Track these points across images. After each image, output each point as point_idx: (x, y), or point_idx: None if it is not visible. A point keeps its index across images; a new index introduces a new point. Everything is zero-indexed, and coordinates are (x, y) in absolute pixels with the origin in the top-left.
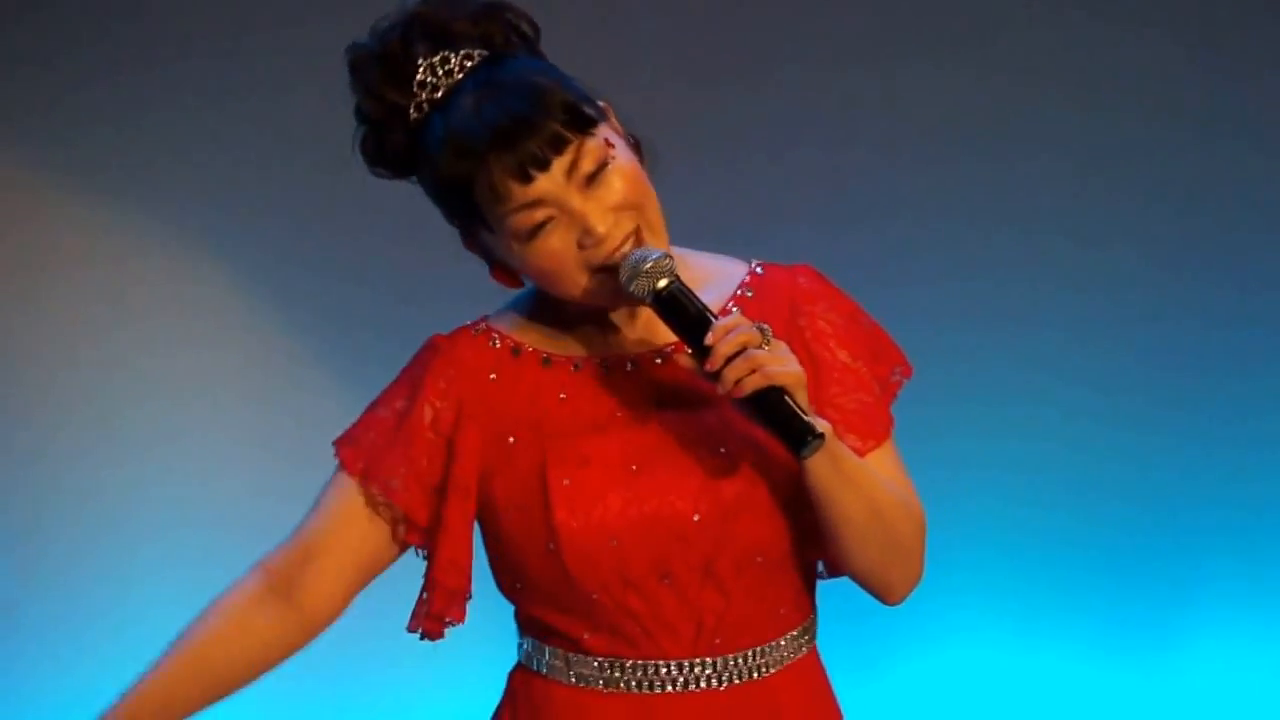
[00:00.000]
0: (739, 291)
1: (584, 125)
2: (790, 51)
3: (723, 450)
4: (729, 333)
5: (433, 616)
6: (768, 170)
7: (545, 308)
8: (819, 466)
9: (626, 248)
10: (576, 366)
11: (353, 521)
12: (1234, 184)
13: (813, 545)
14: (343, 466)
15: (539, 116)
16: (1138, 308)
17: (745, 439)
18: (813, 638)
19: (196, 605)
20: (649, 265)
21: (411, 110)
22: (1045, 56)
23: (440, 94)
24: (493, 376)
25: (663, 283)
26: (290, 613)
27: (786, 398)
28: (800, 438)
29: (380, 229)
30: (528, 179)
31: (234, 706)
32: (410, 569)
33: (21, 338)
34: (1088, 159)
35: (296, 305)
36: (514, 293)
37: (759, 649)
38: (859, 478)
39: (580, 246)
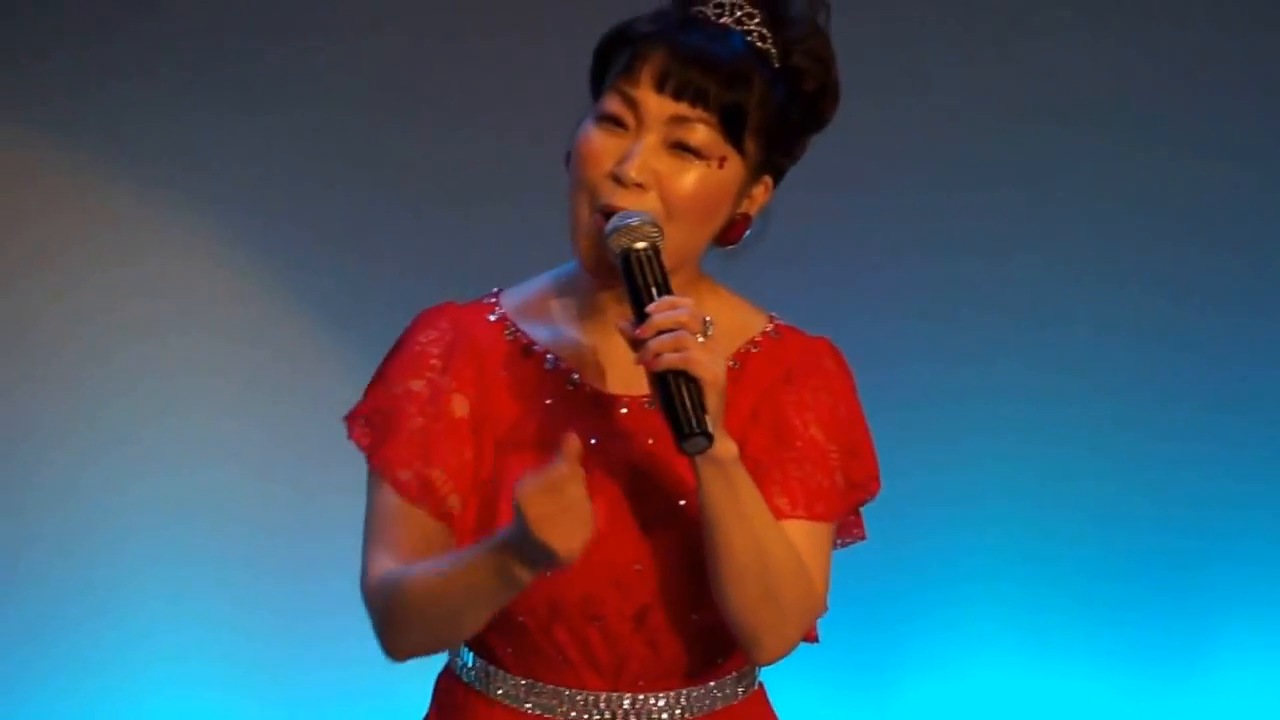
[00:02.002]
0: (747, 348)
1: (729, 125)
2: None
3: (682, 503)
4: (672, 309)
5: None
6: None
7: (560, 298)
8: (712, 484)
9: (617, 213)
10: (572, 384)
11: (425, 542)
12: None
13: None
14: (394, 485)
15: (718, 76)
16: (1157, 319)
17: None
18: (753, 682)
19: (186, 606)
20: (634, 222)
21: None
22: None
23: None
24: (504, 375)
25: (641, 244)
26: None
27: (693, 389)
28: (687, 429)
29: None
30: (656, 87)
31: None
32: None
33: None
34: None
35: (289, 292)
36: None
37: (685, 691)
38: (753, 515)
39: (609, 171)
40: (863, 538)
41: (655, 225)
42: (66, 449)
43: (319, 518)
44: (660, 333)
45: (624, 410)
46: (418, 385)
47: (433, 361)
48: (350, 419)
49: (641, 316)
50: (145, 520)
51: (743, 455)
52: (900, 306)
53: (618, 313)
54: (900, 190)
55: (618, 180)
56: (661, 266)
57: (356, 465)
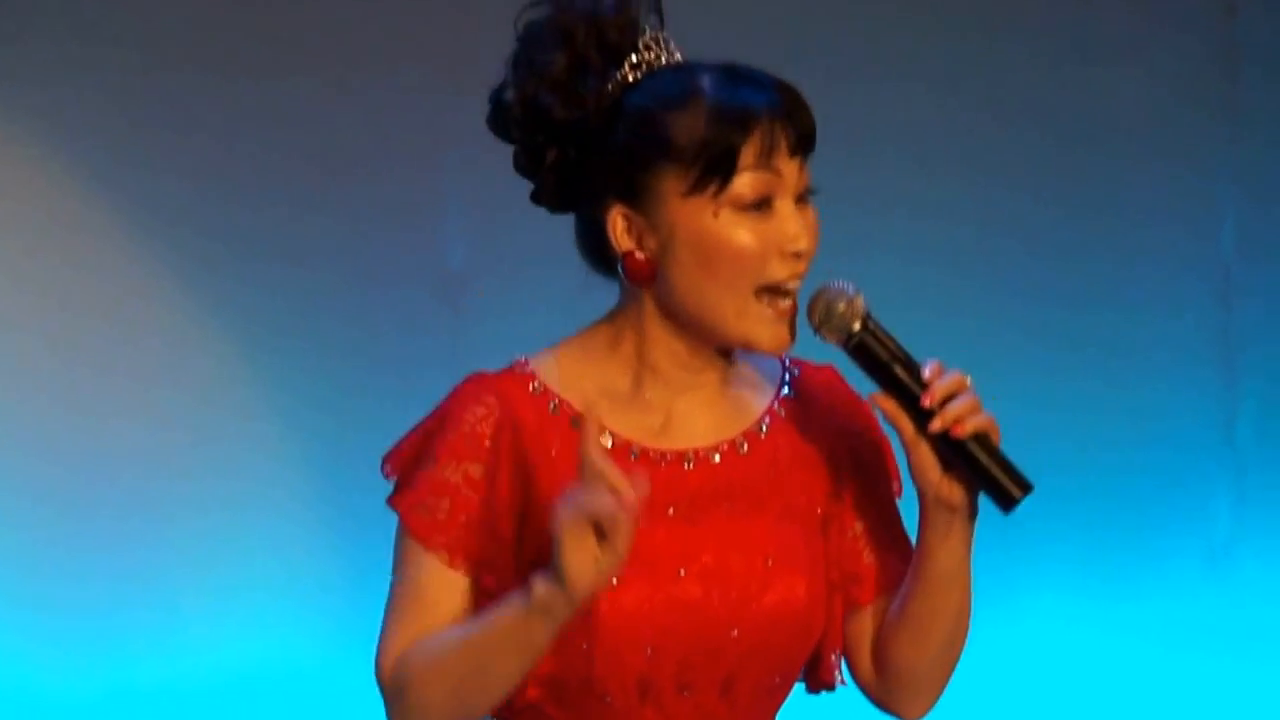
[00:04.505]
0: (782, 390)
1: (814, 148)
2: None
3: (769, 562)
4: (944, 372)
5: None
6: None
7: (602, 362)
8: (959, 547)
9: (796, 285)
10: (634, 455)
11: (458, 613)
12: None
13: (814, 665)
14: (437, 555)
15: (806, 105)
16: (964, 281)
17: (789, 550)
18: None
19: None
20: (843, 306)
21: (626, 68)
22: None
23: (658, 66)
24: (554, 453)
25: (860, 320)
26: None
27: (995, 445)
28: (1015, 487)
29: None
30: (795, 151)
31: None
32: None
33: None
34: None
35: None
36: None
37: None
38: (970, 574)
39: (779, 251)
40: None
41: (856, 290)
42: None
43: (96, 439)
44: (948, 398)
45: (688, 465)
46: (475, 470)
47: (486, 443)
48: (406, 508)
49: (903, 387)
50: None
51: (852, 513)
52: None
53: (672, 373)
54: None
55: (795, 258)
56: (885, 329)
57: (131, 385)
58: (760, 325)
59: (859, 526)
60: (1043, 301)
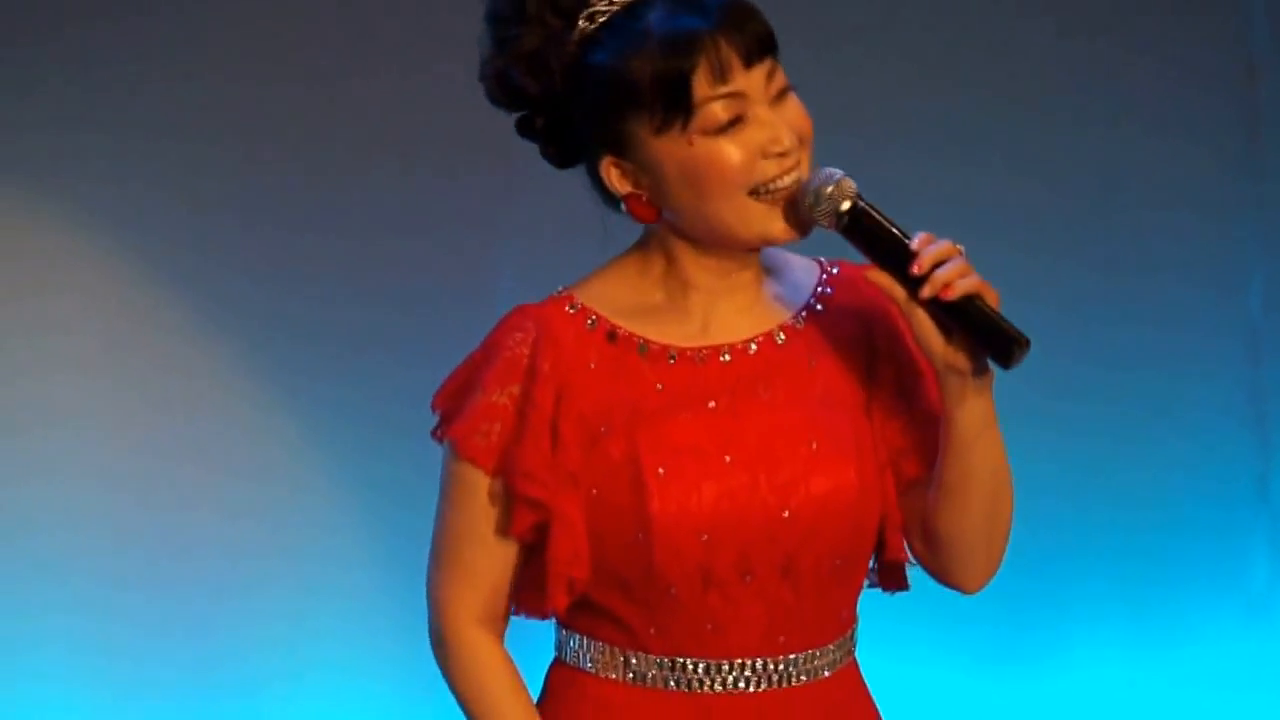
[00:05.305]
0: (819, 289)
1: (776, 49)
2: None
3: (814, 446)
4: (933, 241)
5: (547, 609)
6: None
7: (635, 283)
8: (977, 408)
9: (791, 178)
10: (672, 358)
11: (510, 539)
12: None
13: (881, 547)
14: (493, 478)
15: (756, 13)
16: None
17: (835, 436)
18: (855, 645)
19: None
20: (831, 189)
21: (581, 22)
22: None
23: (613, 14)
24: (592, 365)
25: (850, 198)
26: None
27: (989, 305)
28: (1011, 342)
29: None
30: (750, 62)
31: None
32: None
33: None
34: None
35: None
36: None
37: (816, 651)
38: (998, 434)
39: (763, 154)
40: None
41: (846, 176)
42: None
43: (175, 530)
44: (936, 265)
45: (726, 358)
46: (517, 390)
47: (524, 363)
48: (459, 435)
49: (895, 259)
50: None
51: (890, 392)
52: None
53: (705, 281)
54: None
55: (782, 156)
56: (876, 207)
57: (209, 477)
58: (766, 221)
59: (900, 405)
60: (1072, 363)
